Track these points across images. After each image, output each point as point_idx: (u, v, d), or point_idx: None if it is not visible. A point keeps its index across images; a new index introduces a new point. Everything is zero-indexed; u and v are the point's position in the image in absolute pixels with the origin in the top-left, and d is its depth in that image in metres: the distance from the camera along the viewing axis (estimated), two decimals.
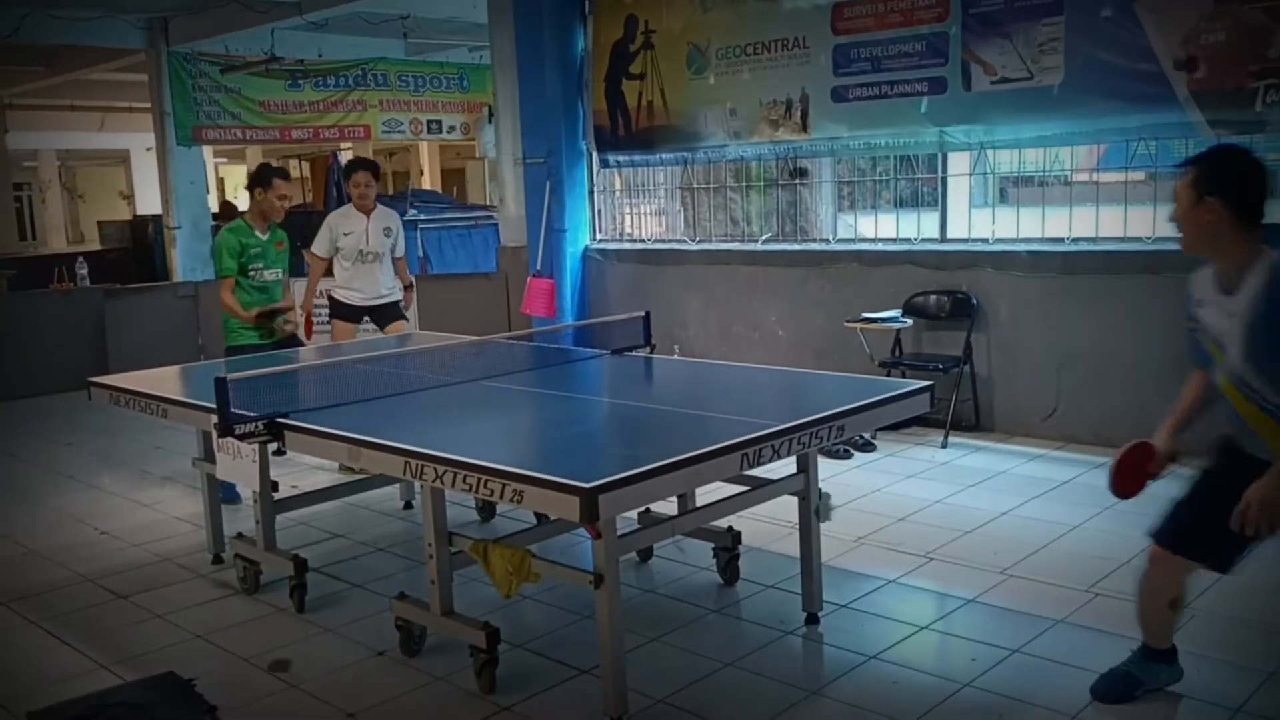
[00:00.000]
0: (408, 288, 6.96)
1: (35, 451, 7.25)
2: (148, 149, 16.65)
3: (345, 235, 6.59)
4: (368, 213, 6.62)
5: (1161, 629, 3.18)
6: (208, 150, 14.80)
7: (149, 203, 18.70)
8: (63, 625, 4.15)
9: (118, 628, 4.12)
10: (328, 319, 6.94)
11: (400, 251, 6.85)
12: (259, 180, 5.94)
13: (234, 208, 18.63)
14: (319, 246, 6.66)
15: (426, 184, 21.60)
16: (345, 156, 18.64)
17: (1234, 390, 2.85)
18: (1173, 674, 3.21)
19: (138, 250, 14.52)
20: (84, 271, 10.84)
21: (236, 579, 4.43)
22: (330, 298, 6.84)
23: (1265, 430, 2.81)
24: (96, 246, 16.69)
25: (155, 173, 13.01)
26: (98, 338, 9.43)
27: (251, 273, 5.86)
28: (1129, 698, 3.16)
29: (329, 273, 6.81)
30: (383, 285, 6.73)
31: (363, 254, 6.60)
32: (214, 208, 15.13)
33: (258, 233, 5.90)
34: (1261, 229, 2.80)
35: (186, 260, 12.28)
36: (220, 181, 27.92)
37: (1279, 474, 2.70)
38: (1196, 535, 2.96)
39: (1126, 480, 3.12)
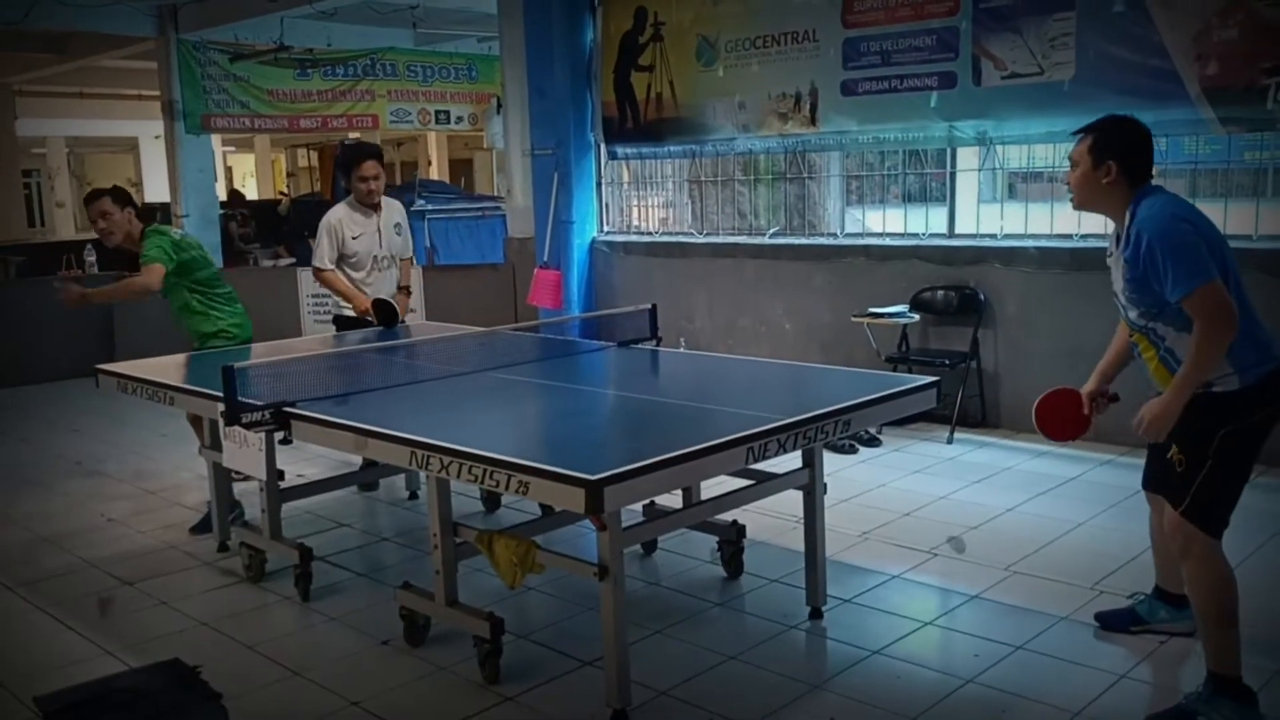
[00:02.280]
0: (403, 289, 5.91)
1: (43, 438, 7.28)
2: (156, 136, 16.69)
3: (354, 239, 5.60)
4: (376, 208, 5.69)
5: (1167, 572, 3.52)
6: (216, 138, 14.80)
7: (157, 190, 18.75)
8: (69, 611, 4.17)
9: (123, 614, 4.14)
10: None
11: (410, 251, 6.01)
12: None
13: (242, 196, 18.68)
14: (322, 258, 5.58)
15: (434, 174, 21.63)
16: None
17: (1141, 338, 3.13)
18: (1174, 616, 3.52)
19: None
20: (92, 259, 10.86)
21: (242, 567, 4.45)
22: (338, 318, 5.86)
23: (1159, 376, 3.11)
24: None
25: (164, 160, 13.03)
26: (105, 325, 9.45)
27: None
28: (1124, 629, 3.59)
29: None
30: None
31: (378, 260, 5.68)
32: (222, 196, 15.15)
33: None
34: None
35: None
36: (228, 170, 27.96)
37: (1168, 397, 2.99)
38: (1159, 473, 3.23)
39: (1053, 425, 3.45)
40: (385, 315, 5.58)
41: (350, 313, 5.69)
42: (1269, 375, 2.98)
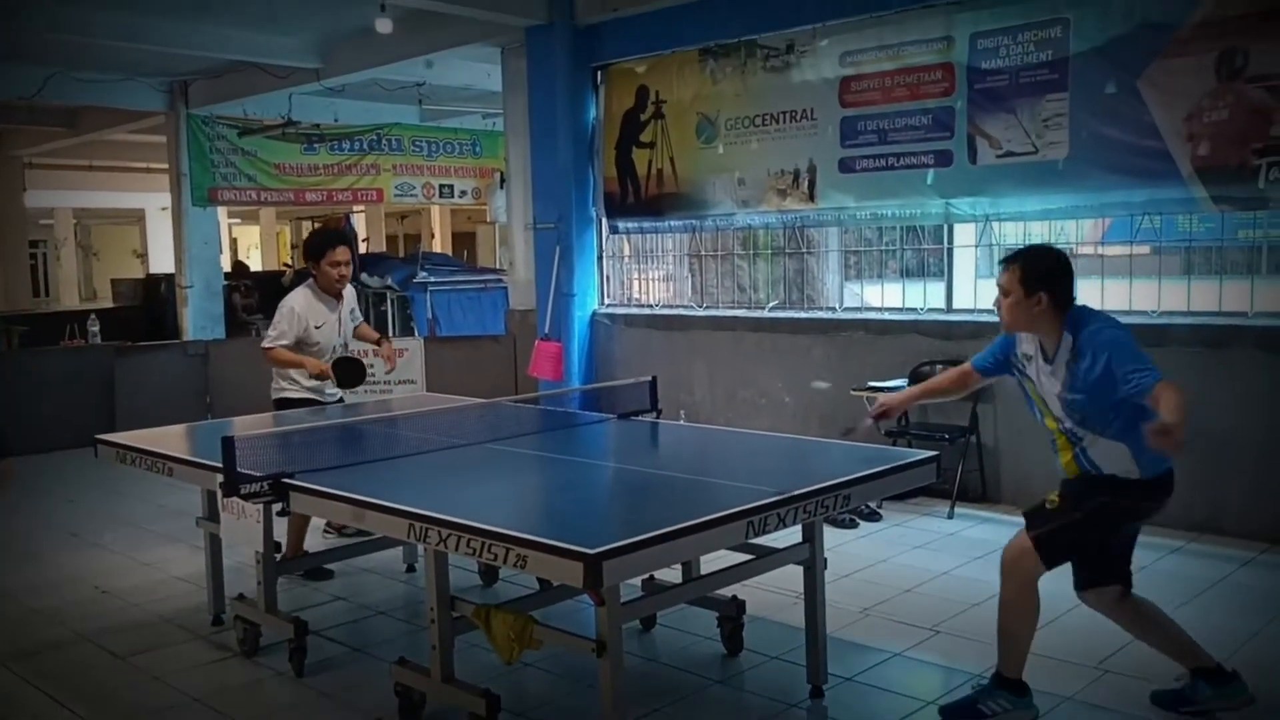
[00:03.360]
0: (381, 339, 5.87)
1: (38, 508, 7.23)
2: (163, 209, 16.87)
3: (317, 329, 5.40)
4: (339, 296, 5.51)
5: (1183, 654, 3.55)
6: (221, 211, 14.98)
7: (162, 261, 18.91)
8: (60, 686, 4.11)
9: (116, 689, 4.08)
10: None
11: (360, 318, 5.84)
12: None
13: (246, 267, 18.83)
14: (282, 339, 5.32)
15: (437, 247, 21.85)
16: (357, 219, 18.79)
17: (1061, 437, 3.47)
18: (1220, 693, 3.49)
19: (150, 308, 14.65)
20: (95, 328, 10.91)
21: (236, 641, 4.39)
22: (284, 400, 5.48)
23: (1070, 470, 3.48)
24: (109, 304, 16.83)
25: (170, 232, 13.17)
26: (107, 395, 9.46)
27: None
28: (1176, 710, 3.56)
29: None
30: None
31: (335, 350, 5.51)
32: (226, 267, 15.28)
33: None
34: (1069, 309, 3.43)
35: (198, 319, 12.37)
36: (233, 242, 28.22)
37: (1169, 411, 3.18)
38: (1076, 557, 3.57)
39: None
40: (349, 375, 5.40)
41: (294, 394, 5.46)
42: (1162, 475, 3.36)
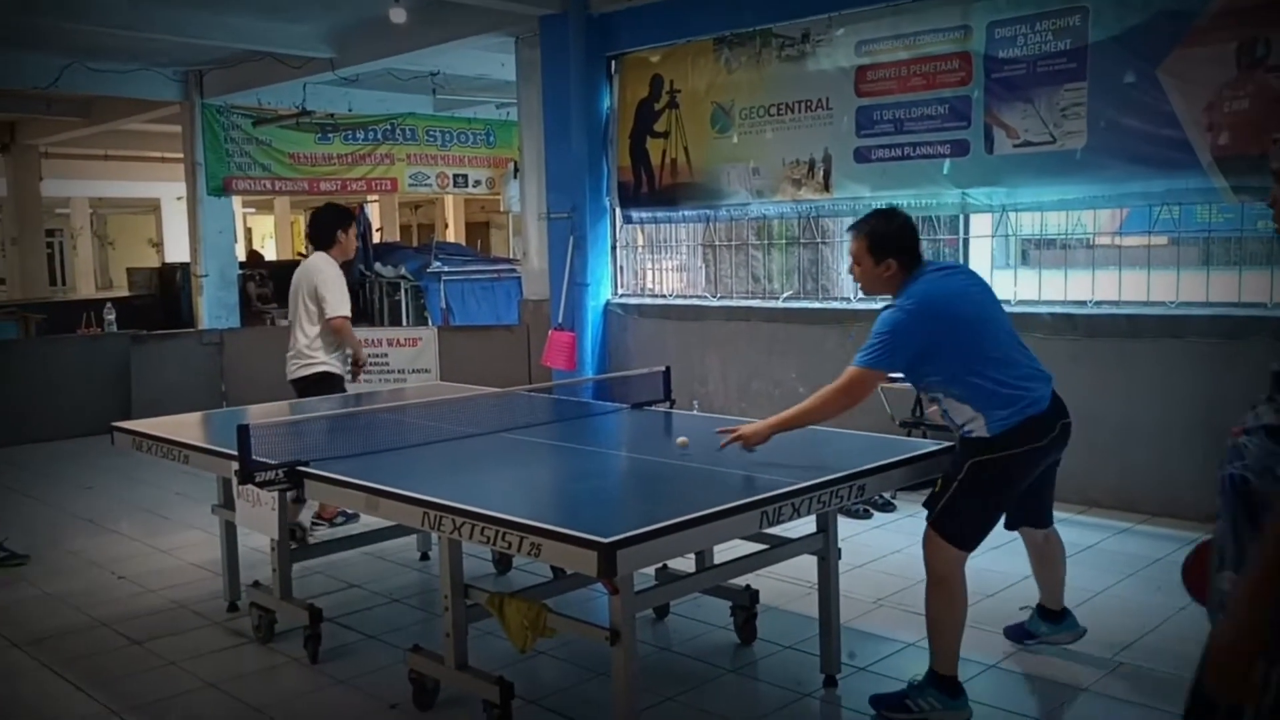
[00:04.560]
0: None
1: (56, 495, 7.28)
2: (178, 198, 16.93)
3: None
4: None
5: (1046, 593, 3.99)
6: (236, 200, 15.02)
7: (178, 250, 18.99)
8: (76, 670, 4.14)
9: (131, 674, 4.11)
10: None
11: None
12: None
13: (260, 256, 18.88)
14: (347, 305, 5.54)
15: (451, 236, 21.87)
16: (371, 209, 18.80)
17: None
18: (1053, 630, 3.96)
19: (165, 297, 14.71)
20: (111, 317, 10.96)
21: (251, 627, 4.42)
22: (326, 375, 5.58)
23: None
24: (125, 293, 16.92)
25: (185, 221, 13.21)
26: (123, 383, 9.51)
27: None
28: (1021, 641, 4.01)
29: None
30: None
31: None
32: (241, 256, 15.32)
33: None
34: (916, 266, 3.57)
35: (213, 308, 12.42)
36: (248, 231, 28.31)
37: (769, 421, 3.64)
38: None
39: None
40: None
41: (335, 369, 5.60)
42: (1013, 427, 3.41)
